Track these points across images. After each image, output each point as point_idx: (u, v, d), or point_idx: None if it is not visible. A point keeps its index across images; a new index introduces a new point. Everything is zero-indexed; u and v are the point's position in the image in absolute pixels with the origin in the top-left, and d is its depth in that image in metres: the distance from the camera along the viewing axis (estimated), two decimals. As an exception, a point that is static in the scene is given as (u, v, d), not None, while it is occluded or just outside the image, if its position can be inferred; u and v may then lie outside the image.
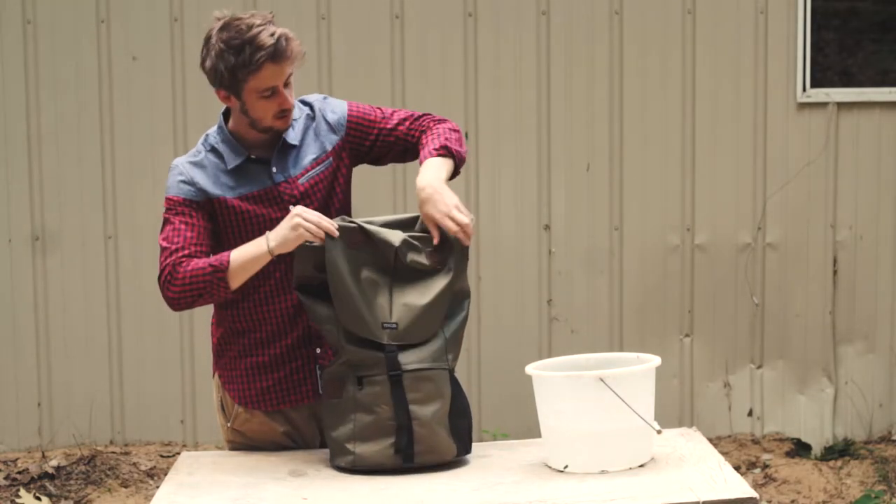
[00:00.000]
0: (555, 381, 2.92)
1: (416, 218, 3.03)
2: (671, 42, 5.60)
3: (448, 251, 3.02)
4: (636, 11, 5.58)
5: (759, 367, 5.72)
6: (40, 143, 5.50)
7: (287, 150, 3.11)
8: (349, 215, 3.10)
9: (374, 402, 2.93)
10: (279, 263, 3.04)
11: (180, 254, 2.97)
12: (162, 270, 2.99)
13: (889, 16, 5.81)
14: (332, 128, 3.16)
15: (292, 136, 3.11)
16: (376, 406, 2.92)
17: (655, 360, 2.94)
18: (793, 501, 5.27)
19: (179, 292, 2.96)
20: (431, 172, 2.99)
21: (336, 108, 3.18)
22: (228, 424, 3.21)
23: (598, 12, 5.57)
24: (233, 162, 3.07)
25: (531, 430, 3.11)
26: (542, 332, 5.65)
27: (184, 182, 3.05)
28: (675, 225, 5.66)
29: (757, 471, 5.48)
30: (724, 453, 4.97)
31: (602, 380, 2.83)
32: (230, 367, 3.18)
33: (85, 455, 5.44)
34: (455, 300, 3.07)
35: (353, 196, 3.22)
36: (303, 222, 2.89)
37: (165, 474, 3.39)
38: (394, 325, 2.95)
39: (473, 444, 3.08)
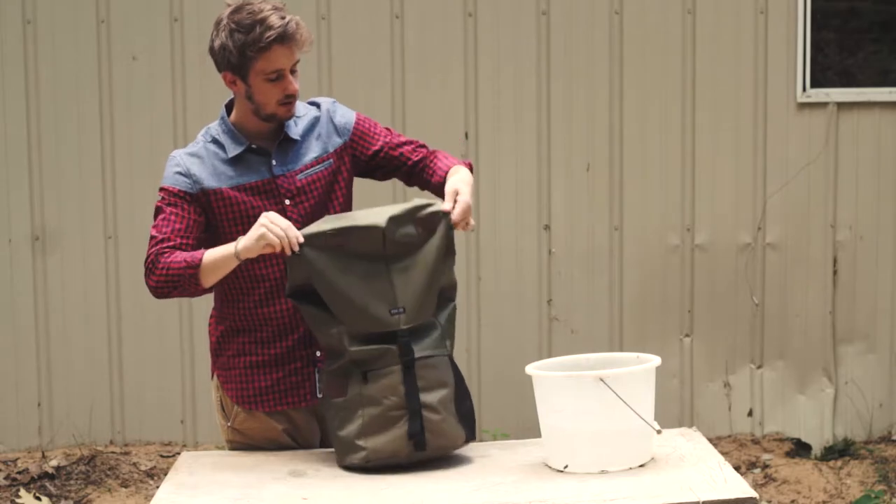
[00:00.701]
0: (555, 381, 2.92)
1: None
2: (671, 42, 5.60)
3: (435, 220, 2.99)
4: (636, 11, 5.58)
5: (759, 367, 5.72)
6: (40, 143, 5.50)
7: (288, 145, 3.12)
8: None
9: (381, 393, 2.92)
10: (277, 263, 3.05)
11: (165, 244, 3.00)
12: (146, 258, 3.03)
13: (889, 16, 5.81)
14: (337, 130, 3.18)
15: (295, 131, 3.13)
16: (384, 398, 2.92)
17: (655, 360, 2.94)
18: (793, 501, 5.27)
19: (157, 282, 3.00)
20: (467, 174, 3.08)
21: (345, 114, 3.21)
22: (228, 424, 3.21)
23: (598, 12, 5.57)
24: (233, 151, 3.08)
25: (531, 430, 3.11)
26: (542, 332, 5.65)
27: (180, 174, 3.06)
28: (675, 225, 5.66)
29: (757, 471, 5.48)
30: (724, 453, 4.97)
31: (602, 380, 2.83)
32: (228, 367, 3.18)
33: (85, 455, 5.44)
34: (443, 292, 3.04)
35: (354, 202, 3.22)
36: (266, 232, 2.88)
37: (165, 474, 3.39)
38: (401, 310, 2.94)
39: (473, 445, 3.09)
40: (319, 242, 2.91)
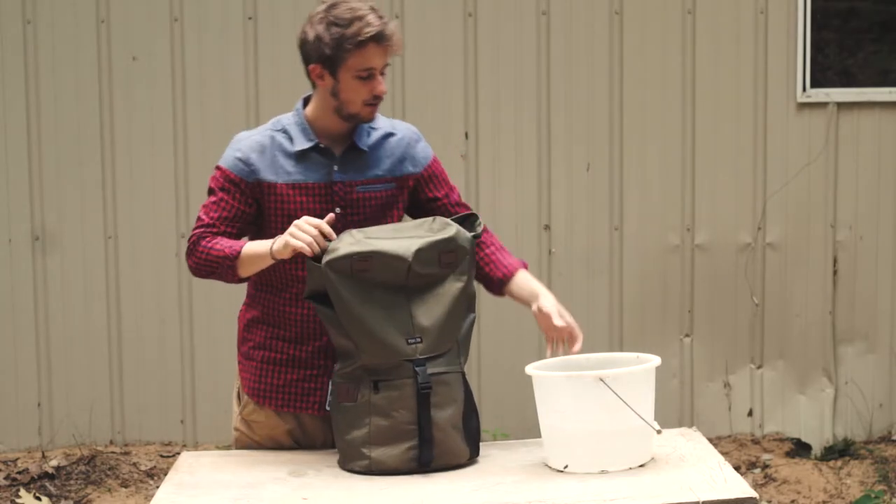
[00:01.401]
0: (555, 381, 2.92)
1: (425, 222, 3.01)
2: (671, 42, 5.60)
3: (460, 255, 2.99)
4: (636, 11, 5.58)
5: (759, 367, 5.72)
6: (40, 143, 5.50)
7: (355, 154, 3.10)
8: None
9: (391, 406, 2.91)
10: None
11: (209, 229, 3.04)
12: (189, 237, 3.08)
13: (889, 16, 5.81)
14: (413, 160, 3.17)
15: (364, 142, 3.11)
16: (393, 411, 2.91)
17: (655, 360, 2.94)
18: (793, 501, 5.27)
19: (196, 262, 3.05)
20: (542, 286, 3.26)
21: (425, 148, 3.21)
22: (239, 412, 3.22)
23: (598, 12, 5.57)
24: (301, 145, 3.06)
25: (531, 430, 3.11)
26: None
27: (239, 159, 3.05)
28: (675, 225, 5.66)
29: (757, 471, 5.48)
30: (724, 453, 4.97)
31: (602, 380, 2.83)
32: (248, 357, 3.19)
33: (85, 455, 5.44)
34: (466, 303, 3.05)
35: None
36: (291, 240, 2.88)
37: (165, 474, 3.39)
38: (418, 339, 2.94)
39: (474, 445, 3.09)
40: (345, 266, 2.89)
